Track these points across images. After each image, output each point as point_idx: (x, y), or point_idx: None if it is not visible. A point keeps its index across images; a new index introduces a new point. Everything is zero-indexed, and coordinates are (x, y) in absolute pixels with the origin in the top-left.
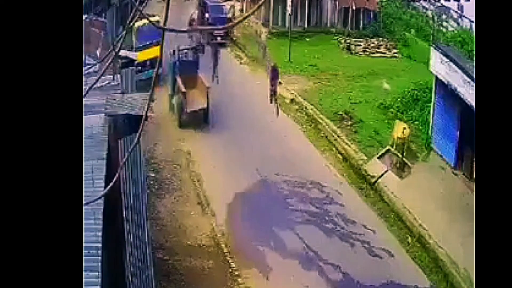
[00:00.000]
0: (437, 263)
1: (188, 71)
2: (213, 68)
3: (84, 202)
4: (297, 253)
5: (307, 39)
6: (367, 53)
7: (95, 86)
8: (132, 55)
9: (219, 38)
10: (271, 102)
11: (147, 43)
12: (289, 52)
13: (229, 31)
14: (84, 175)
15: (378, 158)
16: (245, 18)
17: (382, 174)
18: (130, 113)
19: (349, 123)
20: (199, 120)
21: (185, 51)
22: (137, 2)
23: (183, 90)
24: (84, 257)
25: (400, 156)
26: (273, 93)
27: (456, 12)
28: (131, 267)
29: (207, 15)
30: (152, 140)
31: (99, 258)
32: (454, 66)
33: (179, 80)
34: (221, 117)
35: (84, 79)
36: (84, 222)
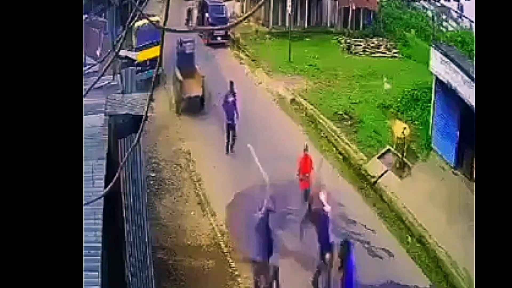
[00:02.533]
0: (437, 263)
1: (186, 62)
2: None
3: (84, 202)
4: (297, 253)
5: (307, 39)
6: (367, 53)
7: (95, 86)
8: (132, 55)
9: (219, 38)
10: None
11: (147, 43)
12: (289, 52)
13: (230, 31)
14: (84, 175)
15: (378, 158)
16: (245, 18)
17: (382, 174)
18: (130, 113)
19: (349, 123)
20: (195, 107)
21: (184, 44)
22: (137, 2)
23: (180, 78)
24: (84, 257)
25: (400, 156)
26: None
27: (456, 12)
28: (131, 267)
29: (207, 15)
30: (152, 140)
31: (99, 258)
32: (454, 66)
33: (177, 70)
34: (221, 118)
35: (84, 79)
36: (84, 222)
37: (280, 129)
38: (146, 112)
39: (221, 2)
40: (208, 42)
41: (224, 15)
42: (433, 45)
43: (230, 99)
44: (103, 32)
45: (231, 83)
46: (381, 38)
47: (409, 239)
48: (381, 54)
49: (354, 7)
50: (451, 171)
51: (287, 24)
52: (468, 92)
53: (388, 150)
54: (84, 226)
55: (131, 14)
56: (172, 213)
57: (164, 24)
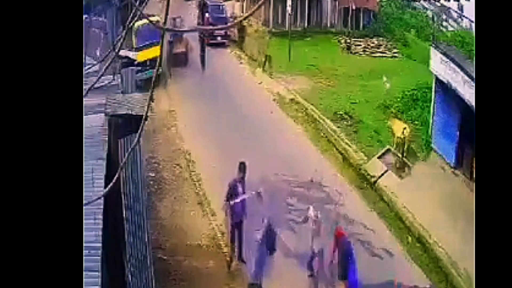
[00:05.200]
0: (437, 263)
1: (177, 34)
2: None
3: (84, 202)
4: (297, 253)
5: (307, 39)
6: (367, 53)
7: (95, 86)
8: (132, 55)
9: (219, 38)
10: None
11: (147, 43)
12: (289, 52)
13: (231, 31)
14: (84, 175)
15: (378, 158)
16: (245, 18)
17: (382, 174)
18: (130, 113)
19: (349, 123)
20: (181, 61)
21: (176, 19)
22: (137, 2)
23: (171, 40)
24: (84, 257)
25: (400, 156)
26: None
27: (456, 12)
28: (131, 267)
29: (207, 15)
30: (152, 140)
31: (99, 258)
32: (454, 66)
33: (169, 37)
34: (221, 120)
35: (84, 79)
36: (84, 222)
37: (280, 129)
38: (146, 112)
39: (221, 2)
40: (208, 42)
41: (224, 15)
42: (433, 45)
43: (239, 197)
44: (103, 32)
45: (242, 165)
46: (381, 38)
47: (409, 239)
48: (381, 54)
49: (354, 7)
50: (451, 171)
51: (287, 24)
52: (468, 92)
53: (388, 150)
54: (84, 226)
55: (131, 14)
56: (172, 213)
57: (164, 24)
